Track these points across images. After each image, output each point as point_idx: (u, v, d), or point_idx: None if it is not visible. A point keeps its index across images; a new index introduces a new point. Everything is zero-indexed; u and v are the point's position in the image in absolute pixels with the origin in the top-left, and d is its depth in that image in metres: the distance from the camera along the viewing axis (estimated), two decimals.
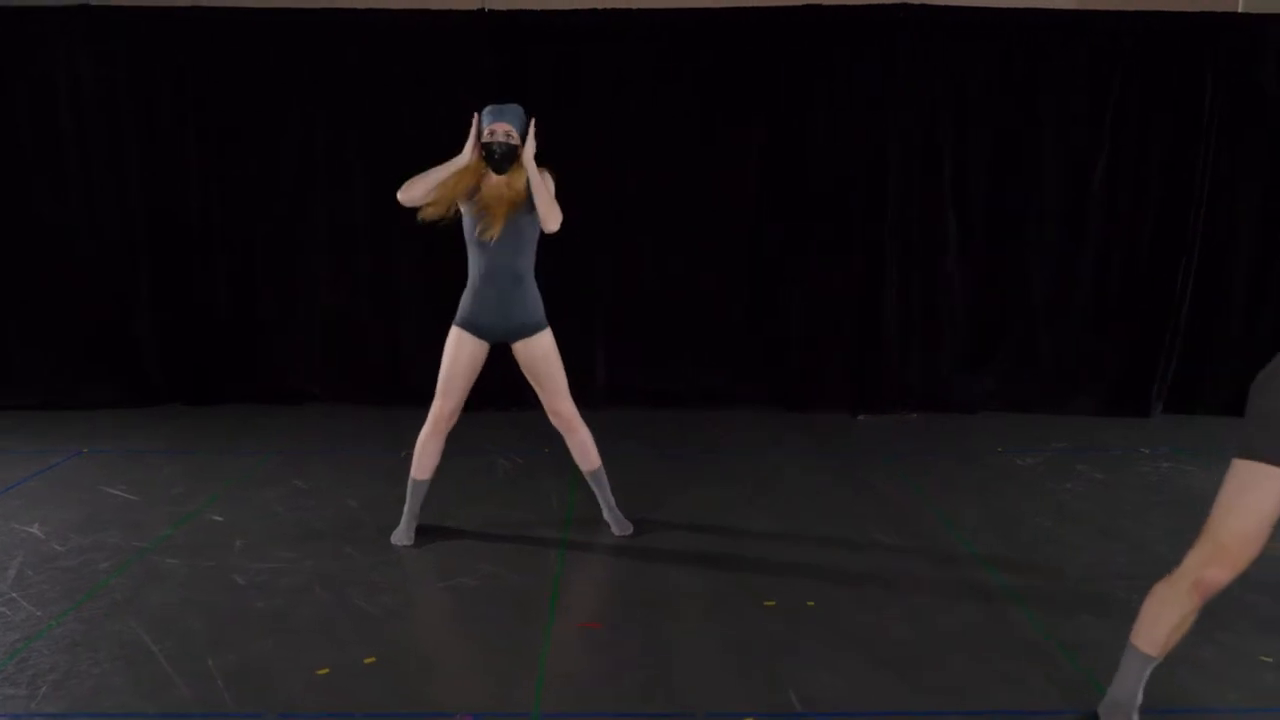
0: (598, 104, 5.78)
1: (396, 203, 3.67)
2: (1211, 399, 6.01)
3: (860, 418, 6.01)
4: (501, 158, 3.66)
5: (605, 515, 4.11)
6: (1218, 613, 3.37)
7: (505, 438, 5.39)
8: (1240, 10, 6.27)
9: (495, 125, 3.67)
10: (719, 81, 5.81)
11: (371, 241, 5.90)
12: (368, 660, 3.02)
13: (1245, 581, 3.59)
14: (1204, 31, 5.76)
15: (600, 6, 5.64)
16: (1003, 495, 4.61)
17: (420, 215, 3.69)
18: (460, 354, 3.80)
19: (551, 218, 3.66)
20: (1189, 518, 3.93)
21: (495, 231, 3.64)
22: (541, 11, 5.68)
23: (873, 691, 2.87)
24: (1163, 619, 2.51)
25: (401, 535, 3.96)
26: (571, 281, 5.80)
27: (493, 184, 3.69)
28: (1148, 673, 2.58)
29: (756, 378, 6.15)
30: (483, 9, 5.75)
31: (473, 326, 3.78)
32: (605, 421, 5.72)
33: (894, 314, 6.01)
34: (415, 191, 3.63)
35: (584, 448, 4.03)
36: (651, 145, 5.85)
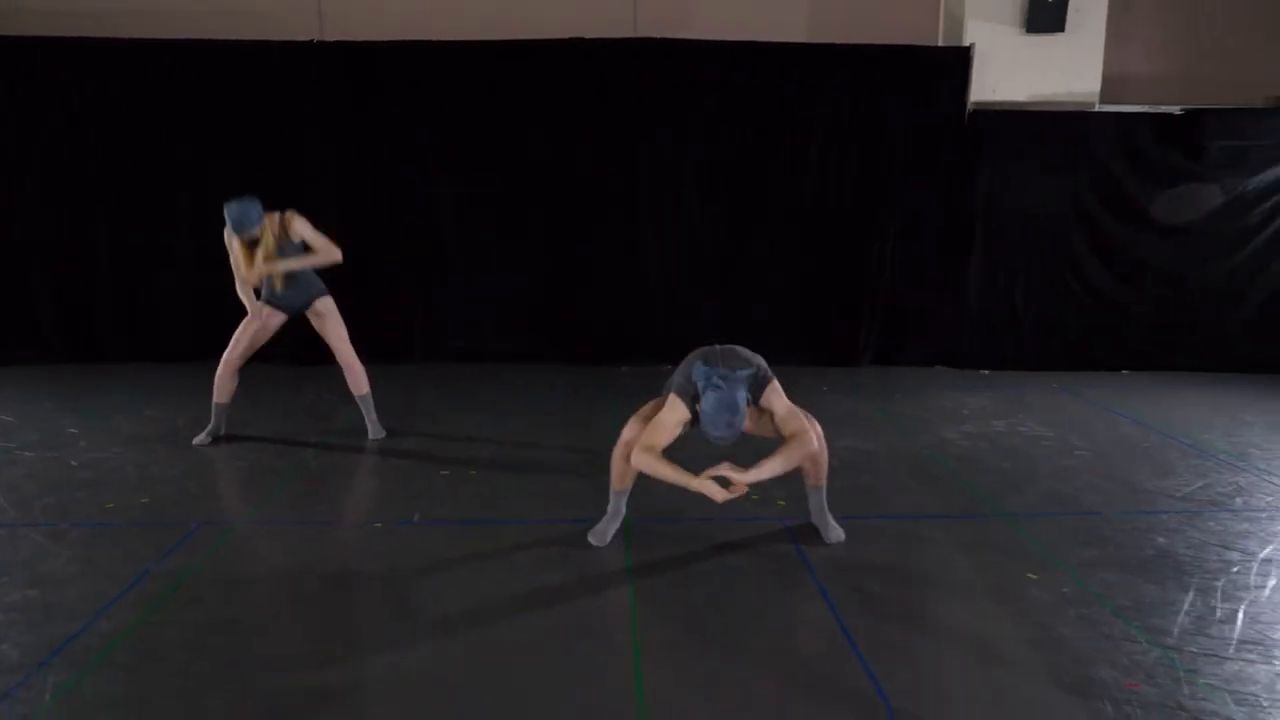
0: (409, 116, 7.22)
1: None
2: (910, 356, 7.59)
3: (624, 369, 7.47)
4: (253, 243, 5.07)
5: (367, 424, 5.54)
6: (794, 483, 4.77)
7: (335, 385, 6.72)
8: (940, 44, 7.81)
9: (241, 236, 5.03)
10: (512, 98, 7.26)
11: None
12: (143, 500, 4.43)
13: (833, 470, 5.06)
14: (902, 60, 7.29)
15: (400, 39, 7.09)
16: None
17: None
18: (253, 320, 5.23)
19: (325, 257, 5.11)
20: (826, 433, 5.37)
21: (253, 276, 5.12)
22: (361, 42, 7.11)
23: (462, 512, 4.33)
24: (615, 467, 3.96)
25: (203, 438, 5.37)
26: (395, 266, 7.29)
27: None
28: (624, 498, 4.02)
29: (547, 338, 7.61)
30: (312, 40, 7.17)
31: (270, 302, 5.24)
32: (420, 374, 7.15)
33: (655, 283, 7.51)
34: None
35: (358, 379, 5.47)
36: (455, 149, 7.31)
